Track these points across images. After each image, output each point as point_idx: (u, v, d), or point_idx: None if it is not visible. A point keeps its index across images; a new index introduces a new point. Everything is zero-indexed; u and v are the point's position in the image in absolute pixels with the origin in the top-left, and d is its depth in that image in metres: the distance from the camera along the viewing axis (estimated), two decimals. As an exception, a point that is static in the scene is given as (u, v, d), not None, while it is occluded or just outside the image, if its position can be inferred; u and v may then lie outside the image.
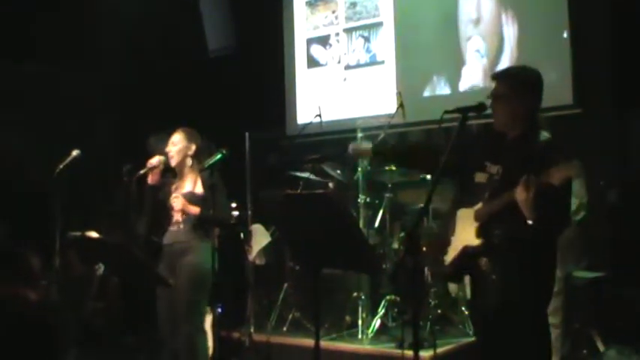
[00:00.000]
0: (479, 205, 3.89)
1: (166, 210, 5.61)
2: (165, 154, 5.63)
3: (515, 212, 3.64)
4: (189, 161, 5.66)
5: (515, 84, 3.90)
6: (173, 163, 5.62)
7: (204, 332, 5.69)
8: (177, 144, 5.63)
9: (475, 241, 3.90)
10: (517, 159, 3.78)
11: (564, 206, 3.77)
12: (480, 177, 3.95)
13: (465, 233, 3.96)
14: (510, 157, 3.84)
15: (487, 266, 3.85)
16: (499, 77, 4.00)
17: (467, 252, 3.92)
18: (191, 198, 5.52)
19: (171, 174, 5.71)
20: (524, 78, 3.97)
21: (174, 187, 5.63)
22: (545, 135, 3.87)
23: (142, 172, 5.50)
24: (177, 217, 5.58)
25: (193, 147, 5.66)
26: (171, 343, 5.51)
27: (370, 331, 6.50)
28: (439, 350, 5.93)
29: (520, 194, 3.56)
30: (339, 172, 7.19)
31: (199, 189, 5.57)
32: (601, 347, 6.01)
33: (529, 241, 3.74)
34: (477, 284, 4.00)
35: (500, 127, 3.96)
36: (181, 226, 5.55)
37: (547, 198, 3.53)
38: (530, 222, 3.59)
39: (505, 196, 3.68)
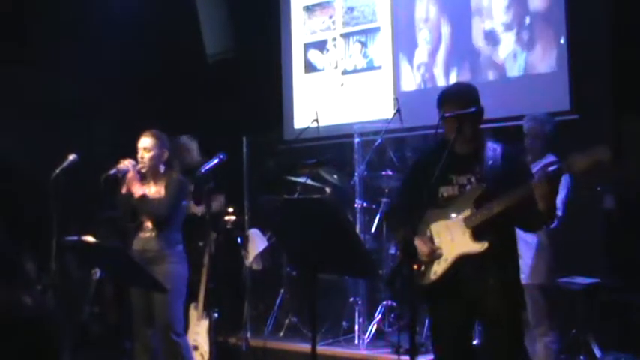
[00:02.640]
0: (466, 213, 3.95)
1: (136, 212, 5.57)
2: (137, 160, 5.51)
3: (506, 215, 3.83)
4: (161, 167, 5.58)
5: (472, 102, 4.00)
6: (145, 169, 5.51)
7: (184, 336, 5.73)
8: (150, 150, 5.49)
9: (465, 248, 3.96)
10: (491, 165, 3.97)
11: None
12: (449, 190, 4.04)
13: (453, 244, 4.01)
14: (479, 165, 3.99)
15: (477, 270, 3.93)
16: (460, 100, 4.01)
17: (462, 258, 3.96)
18: (143, 200, 5.46)
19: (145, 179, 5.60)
20: (473, 93, 4.08)
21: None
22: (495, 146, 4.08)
23: (111, 172, 5.39)
24: (147, 222, 5.53)
25: (166, 153, 5.57)
26: (148, 344, 5.55)
27: (367, 336, 6.52)
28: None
29: (540, 186, 3.67)
30: (335, 177, 7.19)
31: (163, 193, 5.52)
32: (598, 353, 6.01)
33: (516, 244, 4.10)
34: (464, 290, 4.00)
35: (465, 143, 4.02)
36: (152, 233, 5.51)
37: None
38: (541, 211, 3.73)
39: (523, 188, 3.77)
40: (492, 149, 4.03)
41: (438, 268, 4.02)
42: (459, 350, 4.06)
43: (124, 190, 5.49)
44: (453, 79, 7.53)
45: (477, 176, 3.99)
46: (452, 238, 4.01)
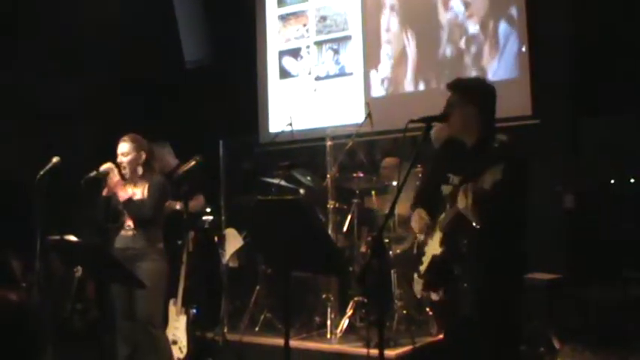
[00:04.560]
0: (442, 216, 4.01)
1: (118, 213, 5.70)
2: (119, 165, 5.67)
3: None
4: (140, 169, 5.72)
5: (466, 92, 4.07)
6: (125, 173, 5.67)
7: (163, 330, 5.92)
8: (127, 154, 5.66)
9: (434, 250, 4.05)
10: (476, 167, 3.76)
11: (501, 207, 3.76)
12: (446, 189, 4.03)
13: (432, 243, 4.09)
14: (470, 165, 3.88)
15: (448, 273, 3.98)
16: (451, 87, 4.14)
17: (435, 261, 4.04)
18: (129, 203, 5.60)
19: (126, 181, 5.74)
20: (474, 87, 4.18)
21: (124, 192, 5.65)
22: (501, 138, 3.97)
23: (92, 175, 5.54)
24: (128, 221, 5.67)
25: (143, 155, 5.71)
26: (128, 338, 5.70)
27: (339, 331, 6.57)
28: (404, 349, 6.09)
29: (460, 203, 3.73)
30: (309, 178, 7.27)
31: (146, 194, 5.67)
32: (557, 345, 6.15)
33: (494, 249, 3.85)
34: (451, 292, 4.05)
35: (454, 133, 4.10)
36: (134, 231, 5.65)
37: (484, 202, 3.69)
38: (477, 227, 3.75)
39: (454, 208, 3.84)
40: (490, 147, 3.93)
41: (422, 268, 4.12)
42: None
43: (104, 192, 5.65)
44: (421, 88, 7.80)
45: (462, 179, 3.92)
46: (433, 238, 4.09)
